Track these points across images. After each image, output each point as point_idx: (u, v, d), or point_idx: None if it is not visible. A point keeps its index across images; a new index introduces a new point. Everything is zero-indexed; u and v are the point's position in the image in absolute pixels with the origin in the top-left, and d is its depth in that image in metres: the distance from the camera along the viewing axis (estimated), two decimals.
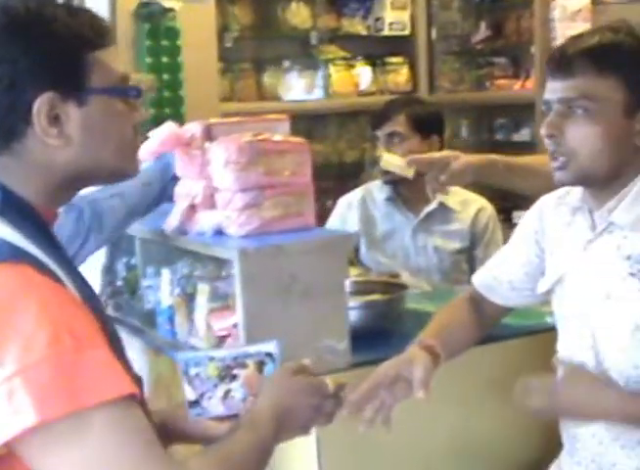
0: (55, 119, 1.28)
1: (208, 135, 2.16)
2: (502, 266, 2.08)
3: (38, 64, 1.27)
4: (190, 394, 1.68)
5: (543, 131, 1.81)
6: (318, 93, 4.70)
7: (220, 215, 2.13)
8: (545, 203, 2.00)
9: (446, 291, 2.91)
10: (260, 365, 1.67)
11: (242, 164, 2.06)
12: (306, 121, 4.75)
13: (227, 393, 1.69)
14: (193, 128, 2.17)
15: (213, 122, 2.19)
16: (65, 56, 1.29)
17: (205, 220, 2.16)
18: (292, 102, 4.63)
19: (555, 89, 1.79)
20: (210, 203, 2.16)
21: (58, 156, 1.30)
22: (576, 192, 1.89)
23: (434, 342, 1.94)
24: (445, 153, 2.46)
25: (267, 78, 4.59)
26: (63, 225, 2.28)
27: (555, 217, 1.95)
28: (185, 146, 2.18)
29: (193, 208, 2.19)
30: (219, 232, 2.14)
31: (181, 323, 2.28)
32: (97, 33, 1.33)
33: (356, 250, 3.24)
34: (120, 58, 1.40)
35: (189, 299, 2.26)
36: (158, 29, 3.80)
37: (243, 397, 1.62)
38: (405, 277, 3.12)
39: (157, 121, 3.73)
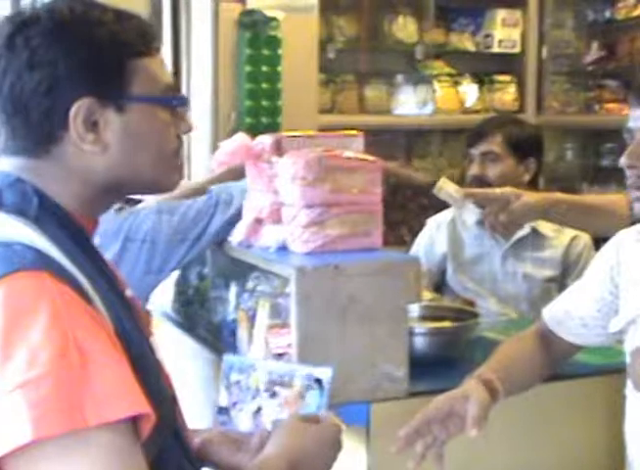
0: (93, 125, 1.26)
1: (278, 148, 2.12)
2: (574, 301, 1.98)
3: (78, 68, 1.25)
4: (223, 399, 1.64)
5: (623, 161, 1.72)
6: (422, 109, 4.62)
7: (285, 231, 2.09)
8: (624, 237, 1.90)
9: (531, 321, 2.80)
10: (305, 390, 1.61)
11: (309, 180, 2.01)
12: (408, 137, 4.68)
13: (260, 409, 1.64)
14: (263, 141, 2.13)
15: (284, 136, 2.15)
16: (106, 62, 1.27)
17: (269, 235, 2.12)
18: (394, 117, 4.56)
19: (639, 117, 1.69)
20: (277, 217, 2.11)
21: (95, 162, 1.28)
22: None
23: (494, 376, 1.85)
24: (507, 190, 2.36)
25: (369, 92, 4.53)
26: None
27: (633, 253, 1.85)
28: (255, 158, 2.15)
29: (259, 221, 2.16)
30: (284, 248, 2.10)
31: (242, 337, 2.24)
32: (143, 40, 1.31)
33: (443, 272, 3.16)
34: (164, 66, 1.36)
35: (252, 313, 2.22)
36: (259, 38, 3.79)
37: (274, 418, 1.56)
38: (492, 304, 3.04)
39: (253, 130, 3.75)
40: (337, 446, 1.48)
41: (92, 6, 1.30)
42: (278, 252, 2.09)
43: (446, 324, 2.29)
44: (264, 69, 3.82)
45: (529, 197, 2.28)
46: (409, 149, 4.70)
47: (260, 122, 3.81)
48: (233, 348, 2.29)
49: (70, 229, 1.27)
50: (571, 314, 1.96)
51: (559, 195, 2.35)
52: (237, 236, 2.19)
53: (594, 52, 4.57)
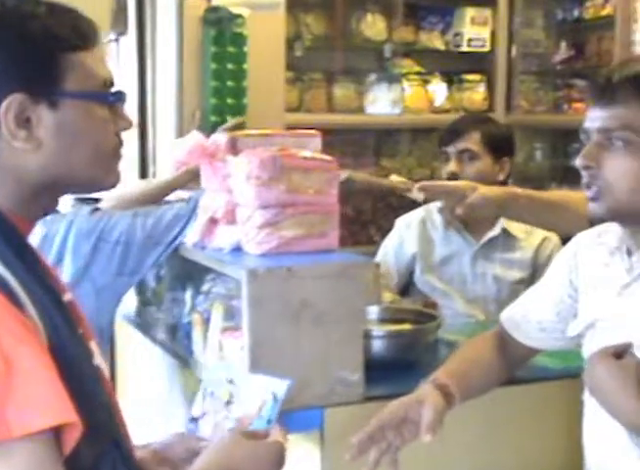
0: (25, 122, 1.21)
1: (233, 147, 2.08)
2: (532, 304, 1.94)
3: (8, 63, 1.20)
4: (197, 410, 1.62)
5: (579, 162, 1.68)
6: (390, 108, 4.58)
7: (240, 232, 2.04)
8: (582, 241, 1.87)
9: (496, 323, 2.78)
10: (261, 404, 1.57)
11: (263, 180, 1.97)
12: (376, 136, 4.64)
13: (224, 419, 1.61)
14: (218, 139, 2.09)
15: (239, 134, 2.11)
16: (38, 56, 1.22)
17: (224, 236, 2.08)
18: (363, 116, 4.52)
19: (595, 118, 1.66)
20: (231, 218, 2.07)
21: (28, 161, 1.23)
22: (615, 231, 1.75)
23: (450, 381, 1.81)
24: (462, 183, 2.33)
25: (338, 90, 4.48)
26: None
27: (591, 257, 1.81)
28: (210, 157, 2.10)
29: (214, 222, 2.11)
30: (238, 249, 2.06)
31: (197, 340, 2.20)
32: (79, 34, 1.26)
33: (411, 273, 3.13)
34: (104, 61, 1.31)
35: (207, 316, 2.18)
36: (224, 35, 3.73)
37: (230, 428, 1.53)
38: (460, 305, 3.02)
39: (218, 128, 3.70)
40: (278, 464, 1.44)
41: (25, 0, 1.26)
42: (232, 253, 2.05)
43: (405, 327, 2.25)
44: (230, 66, 3.76)
45: (487, 190, 2.24)
46: (378, 148, 4.65)
47: (225, 121, 3.75)
48: (189, 351, 2.26)
49: (3, 230, 1.22)
50: (529, 318, 1.92)
51: (517, 189, 2.31)
52: (192, 237, 2.15)
53: (563, 51, 4.54)
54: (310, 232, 2.02)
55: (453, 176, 3.00)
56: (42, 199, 1.30)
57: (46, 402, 1.08)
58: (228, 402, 1.63)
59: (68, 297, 1.32)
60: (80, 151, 1.26)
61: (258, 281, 1.87)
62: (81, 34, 1.26)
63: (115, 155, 1.32)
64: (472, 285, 3.06)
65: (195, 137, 2.12)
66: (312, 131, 2.19)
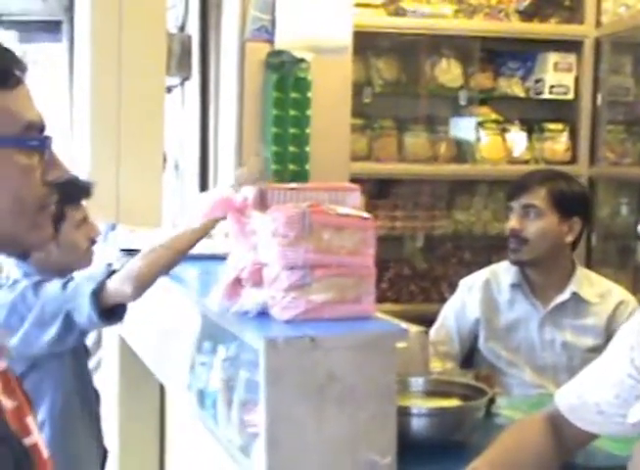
0: None
1: (262, 202, 1.90)
2: (589, 384, 1.71)
3: None
4: None
5: None
6: (464, 158, 4.36)
7: (266, 294, 1.86)
8: None
9: None
10: None
11: (290, 239, 1.79)
12: (449, 188, 4.42)
13: None
14: (247, 193, 1.92)
15: (269, 187, 1.93)
16: None
17: (249, 298, 1.89)
18: (435, 165, 4.30)
19: None
20: (258, 279, 1.89)
21: None
22: None
23: None
24: None
25: (409, 138, 4.28)
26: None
27: None
28: (237, 212, 1.93)
29: (239, 282, 1.93)
30: (264, 313, 1.87)
31: (221, 411, 2.01)
32: None
33: (475, 338, 2.92)
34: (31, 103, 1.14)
35: (232, 384, 1.99)
36: (287, 80, 3.58)
37: None
38: (527, 374, 2.82)
39: (279, 177, 3.55)
40: None
41: None
42: (256, 318, 1.86)
43: (449, 402, 2.03)
44: (292, 112, 3.61)
45: None
46: (451, 200, 4.43)
47: (287, 169, 3.59)
48: (214, 420, 2.07)
49: None
50: (586, 399, 1.69)
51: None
52: (216, 297, 1.97)
53: None
54: (343, 297, 1.82)
55: (514, 233, 2.81)
56: None
57: None
58: None
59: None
60: None
61: (278, 352, 1.68)
62: (1, 72, 1.11)
63: (42, 208, 1.15)
64: (540, 353, 2.87)
65: (221, 191, 1.96)
66: (351, 185, 2.00)
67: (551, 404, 1.79)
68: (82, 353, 2.53)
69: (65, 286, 2.23)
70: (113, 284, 2.18)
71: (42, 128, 1.13)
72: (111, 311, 2.22)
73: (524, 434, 1.75)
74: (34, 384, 2.30)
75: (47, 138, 1.14)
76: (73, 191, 2.42)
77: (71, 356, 2.44)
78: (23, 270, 2.37)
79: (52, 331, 2.22)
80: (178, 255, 2.16)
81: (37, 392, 2.31)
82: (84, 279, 2.24)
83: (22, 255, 2.32)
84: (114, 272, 2.21)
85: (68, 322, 2.21)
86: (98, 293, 2.16)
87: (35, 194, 1.13)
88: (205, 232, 2.14)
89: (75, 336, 2.28)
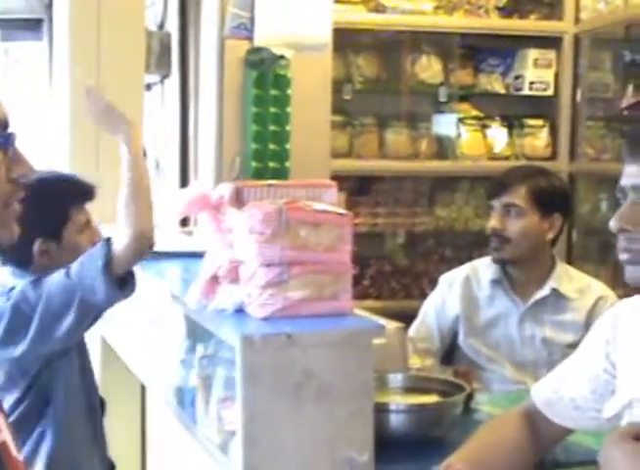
0: None
1: (238, 199, 1.89)
2: (565, 380, 1.71)
3: None
4: None
5: (612, 224, 1.47)
6: (445, 154, 4.36)
7: (243, 292, 1.85)
8: (623, 308, 1.64)
9: None
10: None
11: (266, 236, 1.78)
12: (430, 184, 4.42)
13: None
14: (222, 190, 1.91)
15: (245, 185, 1.92)
16: None
17: (226, 296, 1.89)
18: (416, 162, 4.30)
19: (631, 174, 1.45)
20: (235, 276, 1.88)
21: None
22: None
23: (466, 466, 1.59)
24: None
25: (390, 135, 4.28)
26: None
27: (633, 327, 1.59)
28: (213, 209, 1.92)
29: (216, 280, 1.92)
30: (242, 311, 1.86)
31: (199, 408, 2.00)
32: None
33: (455, 335, 2.92)
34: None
35: (210, 382, 1.98)
36: (266, 77, 3.57)
37: None
38: (507, 370, 2.84)
39: (259, 175, 3.54)
40: None
41: None
42: (233, 315, 1.85)
43: (427, 398, 2.03)
44: (272, 110, 3.59)
45: None
46: (432, 197, 4.43)
47: (267, 167, 3.58)
48: (192, 418, 2.07)
49: None
50: (562, 394, 1.70)
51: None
52: (193, 295, 1.96)
53: (630, 96, 4.27)
54: (320, 294, 1.82)
55: (495, 232, 2.81)
56: None
57: None
58: None
59: None
60: None
61: (254, 349, 1.68)
62: None
63: (7, 205, 1.15)
64: (520, 349, 2.88)
65: (197, 188, 1.95)
66: (327, 181, 1.99)
67: (527, 399, 1.79)
68: (86, 350, 2.49)
69: (67, 274, 2.16)
70: (118, 252, 2.12)
71: (6, 125, 1.12)
72: (123, 282, 2.16)
73: (500, 430, 1.75)
74: (44, 383, 2.28)
75: (10, 135, 1.13)
76: (78, 192, 2.38)
77: (77, 353, 2.40)
78: (20, 279, 2.29)
79: (68, 320, 2.13)
80: (145, 179, 2.13)
81: (47, 391, 2.29)
82: (85, 262, 2.15)
83: (25, 262, 2.28)
84: (109, 240, 2.14)
85: (84, 306, 2.13)
86: (108, 266, 2.09)
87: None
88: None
89: (91, 319, 2.22)
